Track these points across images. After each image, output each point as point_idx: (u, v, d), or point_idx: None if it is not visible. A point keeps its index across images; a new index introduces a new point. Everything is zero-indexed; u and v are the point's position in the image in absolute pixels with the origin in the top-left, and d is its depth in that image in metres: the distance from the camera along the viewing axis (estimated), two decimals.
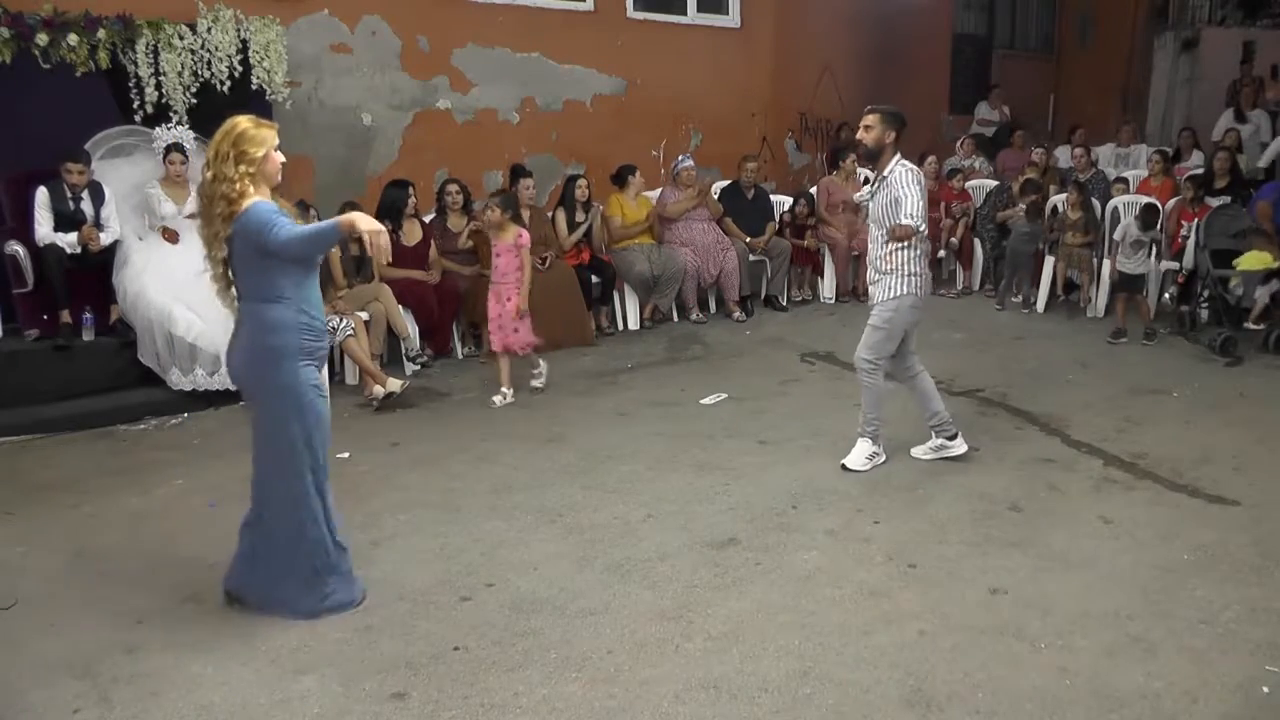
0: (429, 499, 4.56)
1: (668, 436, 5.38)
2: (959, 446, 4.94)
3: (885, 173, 4.69)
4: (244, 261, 3.27)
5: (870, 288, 4.87)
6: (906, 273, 4.69)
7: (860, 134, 4.76)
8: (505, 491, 4.64)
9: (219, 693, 3.08)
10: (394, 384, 5.89)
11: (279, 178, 3.37)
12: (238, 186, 3.20)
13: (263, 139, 3.27)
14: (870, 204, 4.80)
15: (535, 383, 6.15)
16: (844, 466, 4.83)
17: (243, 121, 3.28)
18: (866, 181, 5.07)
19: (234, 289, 3.36)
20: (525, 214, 7.33)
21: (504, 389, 5.98)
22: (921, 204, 4.61)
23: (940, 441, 4.95)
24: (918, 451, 4.99)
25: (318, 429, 3.39)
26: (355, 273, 6.42)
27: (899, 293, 4.70)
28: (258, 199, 3.26)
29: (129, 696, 3.06)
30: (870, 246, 4.83)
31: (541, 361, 6.17)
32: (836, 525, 4.25)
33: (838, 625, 3.43)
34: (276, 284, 3.27)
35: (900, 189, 4.63)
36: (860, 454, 4.85)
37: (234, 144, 3.22)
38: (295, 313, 3.31)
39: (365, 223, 3.19)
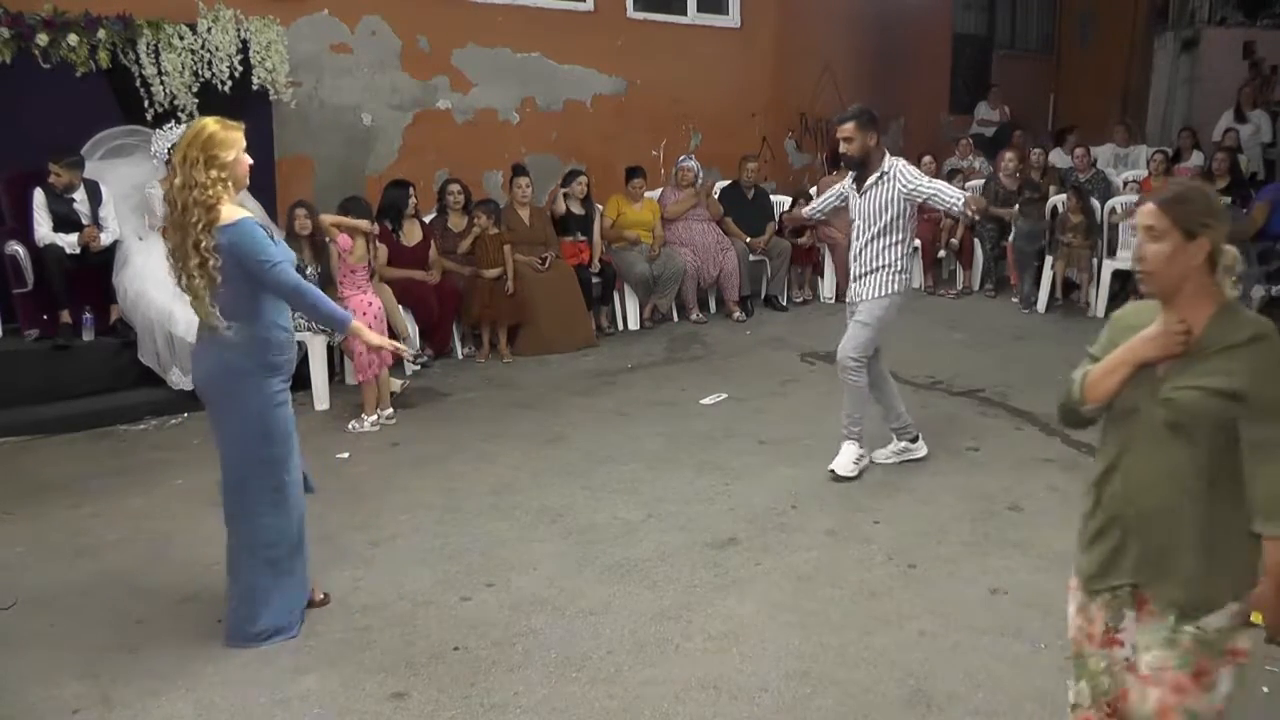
0: (429, 499, 4.56)
1: (668, 436, 5.38)
2: (921, 449, 4.94)
3: (885, 168, 4.58)
4: (226, 278, 3.14)
5: (853, 285, 4.76)
6: (896, 269, 4.64)
7: (842, 147, 4.62)
8: (505, 491, 4.65)
9: (219, 693, 3.08)
10: (394, 384, 5.89)
11: (247, 181, 3.30)
12: (211, 192, 3.10)
13: (232, 141, 3.18)
14: (861, 202, 4.66)
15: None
16: (833, 473, 4.73)
17: (210, 124, 3.18)
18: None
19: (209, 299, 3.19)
20: (524, 213, 7.34)
21: (364, 414, 5.61)
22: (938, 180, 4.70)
23: (903, 445, 4.92)
24: (880, 455, 4.92)
25: (283, 442, 3.36)
26: None
27: (888, 290, 4.63)
28: (244, 214, 3.19)
29: (129, 696, 3.06)
30: (856, 244, 4.70)
31: (380, 410, 5.67)
32: (836, 525, 4.25)
33: (838, 625, 3.44)
34: (254, 303, 3.22)
35: (914, 179, 4.56)
36: (848, 458, 4.75)
37: (203, 148, 3.12)
38: (270, 329, 3.28)
39: (371, 339, 3.68)
